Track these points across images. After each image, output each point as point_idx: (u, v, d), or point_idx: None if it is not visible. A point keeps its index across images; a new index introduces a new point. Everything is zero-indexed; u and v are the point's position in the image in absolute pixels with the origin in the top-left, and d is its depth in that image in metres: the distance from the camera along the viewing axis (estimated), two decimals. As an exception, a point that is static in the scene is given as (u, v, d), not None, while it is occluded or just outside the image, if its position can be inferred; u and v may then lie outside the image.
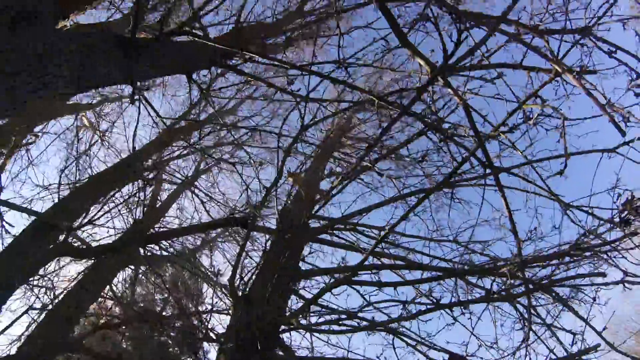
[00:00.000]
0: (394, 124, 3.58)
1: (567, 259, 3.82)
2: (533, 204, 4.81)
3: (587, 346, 2.79)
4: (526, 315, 2.91)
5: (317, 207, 5.37)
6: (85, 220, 5.13)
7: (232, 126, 6.09)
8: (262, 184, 4.41)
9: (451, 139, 3.97)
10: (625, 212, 2.78)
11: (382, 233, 6.10)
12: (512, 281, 3.80)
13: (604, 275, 2.86)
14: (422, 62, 3.70)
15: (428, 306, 3.29)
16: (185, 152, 6.92)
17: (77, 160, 5.63)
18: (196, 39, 3.74)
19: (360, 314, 4.07)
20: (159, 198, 6.71)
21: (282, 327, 3.77)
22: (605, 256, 3.71)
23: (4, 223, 4.31)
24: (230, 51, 5.19)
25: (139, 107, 4.65)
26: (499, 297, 2.86)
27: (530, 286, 2.97)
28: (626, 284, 2.93)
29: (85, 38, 3.19)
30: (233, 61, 5.29)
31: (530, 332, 3.37)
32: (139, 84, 3.89)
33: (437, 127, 4.04)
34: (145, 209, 6.36)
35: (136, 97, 4.23)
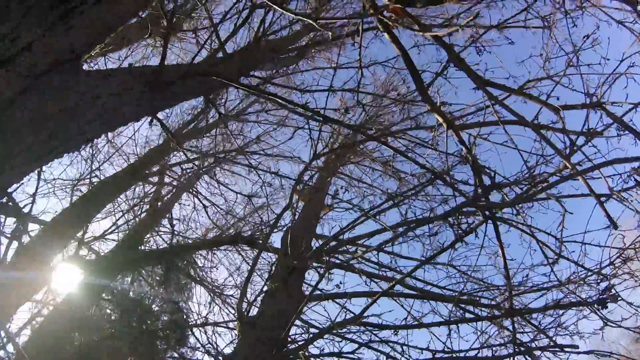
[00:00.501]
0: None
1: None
2: (528, 238, 5.23)
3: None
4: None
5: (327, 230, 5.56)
6: (96, 232, 5.21)
7: (251, 165, 6.18)
8: (272, 209, 4.55)
9: (458, 191, 4.19)
10: (604, 297, 3.12)
11: (378, 252, 6.41)
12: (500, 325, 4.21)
13: (576, 347, 3.22)
14: (439, 118, 3.86)
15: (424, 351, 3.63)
16: (193, 161, 6.96)
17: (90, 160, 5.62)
18: (221, 79, 3.75)
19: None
20: (159, 203, 6.77)
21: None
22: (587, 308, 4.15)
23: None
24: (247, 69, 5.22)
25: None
26: (487, 358, 3.22)
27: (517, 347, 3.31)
28: (596, 354, 3.32)
29: (115, 81, 3.18)
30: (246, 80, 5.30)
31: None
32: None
33: (445, 178, 4.23)
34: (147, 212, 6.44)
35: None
